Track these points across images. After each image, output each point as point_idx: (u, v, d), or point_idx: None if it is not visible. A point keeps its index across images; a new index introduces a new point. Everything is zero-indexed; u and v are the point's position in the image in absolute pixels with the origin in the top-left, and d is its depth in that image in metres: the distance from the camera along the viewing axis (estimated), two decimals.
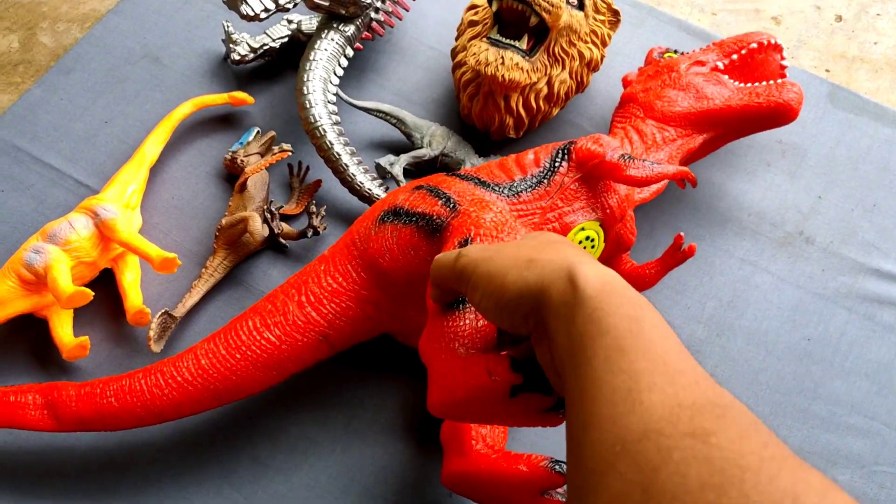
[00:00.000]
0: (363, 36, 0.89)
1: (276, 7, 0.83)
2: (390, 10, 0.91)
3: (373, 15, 0.88)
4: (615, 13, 0.87)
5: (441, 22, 0.97)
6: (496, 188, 0.69)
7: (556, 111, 0.87)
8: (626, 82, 0.86)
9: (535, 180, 0.70)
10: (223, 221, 0.80)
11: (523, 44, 0.80)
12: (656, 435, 0.33)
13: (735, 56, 0.82)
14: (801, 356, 0.78)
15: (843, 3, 1.01)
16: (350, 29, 0.87)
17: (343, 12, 0.86)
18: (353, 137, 0.89)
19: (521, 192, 0.69)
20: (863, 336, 0.79)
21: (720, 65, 0.81)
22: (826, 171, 0.89)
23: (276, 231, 0.80)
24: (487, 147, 0.88)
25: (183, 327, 0.78)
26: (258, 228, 0.79)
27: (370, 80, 0.94)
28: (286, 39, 0.94)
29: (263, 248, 0.82)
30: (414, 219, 0.66)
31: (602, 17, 0.86)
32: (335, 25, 0.87)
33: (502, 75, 0.79)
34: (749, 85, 0.79)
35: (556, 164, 0.70)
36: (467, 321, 0.52)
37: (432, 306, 0.55)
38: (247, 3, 0.81)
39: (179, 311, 0.77)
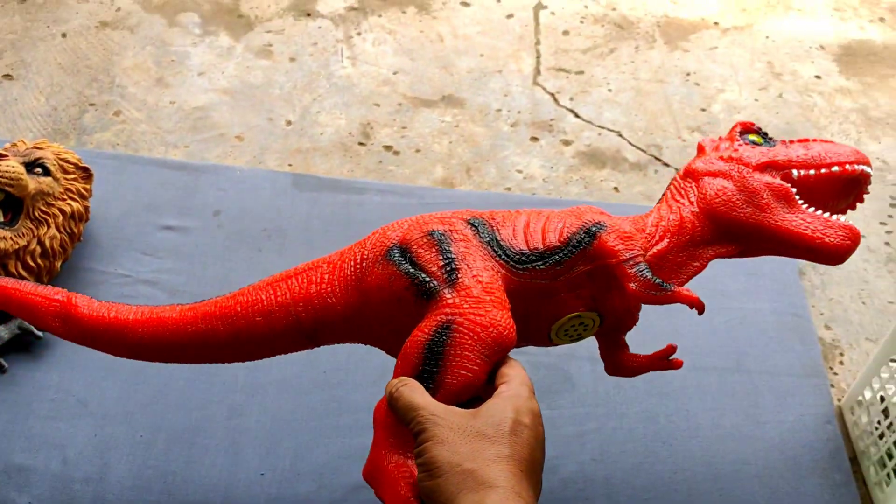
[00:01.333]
0: None
1: None
2: None
3: None
4: (85, 169, 1.01)
5: None
6: (506, 255, 0.67)
7: (59, 263, 0.98)
8: (700, 148, 0.78)
9: (549, 258, 0.68)
10: None
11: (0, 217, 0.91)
12: None
13: (813, 171, 0.73)
14: None
15: (289, 110, 1.27)
16: None
17: None
18: None
19: (531, 265, 0.67)
20: None
21: (796, 174, 0.73)
22: (306, 240, 1.10)
23: None
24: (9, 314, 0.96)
25: None
26: None
27: None
28: None
29: None
30: (412, 272, 0.66)
31: (73, 176, 0.99)
32: None
33: None
34: (811, 211, 0.72)
35: (576, 248, 0.68)
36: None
37: (397, 374, 0.63)
38: None
39: None
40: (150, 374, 0.94)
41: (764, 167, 0.72)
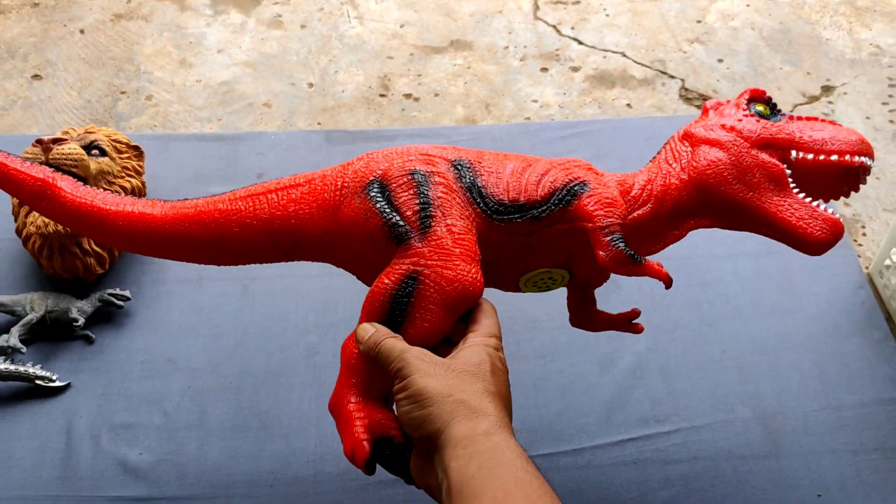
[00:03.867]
0: None
1: None
2: None
3: None
4: (136, 148, 1.07)
5: (1, 213, 1.10)
6: (486, 205, 0.68)
7: None
8: (704, 110, 0.76)
9: (527, 212, 0.68)
10: None
11: None
12: None
13: (811, 156, 0.70)
14: None
15: (309, 73, 1.32)
16: None
17: None
18: None
19: (508, 216, 0.68)
20: None
21: (794, 154, 0.71)
22: None
23: None
24: (87, 288, 1.02)
25: None
26: None
27: None
28: None
29: None
30: (387, 212, 0.66)
31: (127, 155, 1.05)
32: None
33: (64, 228, 0.95)
34: (801, 198, 0.70)
35: (556, 205, 0.68)
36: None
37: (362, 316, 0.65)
38: None
39: None
40: (228, 328, 1.01)
41: (763, 143, 0.70)
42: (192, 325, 1.01)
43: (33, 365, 0.94)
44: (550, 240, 0.69)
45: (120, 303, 1.00)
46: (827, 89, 1.28)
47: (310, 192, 0.70)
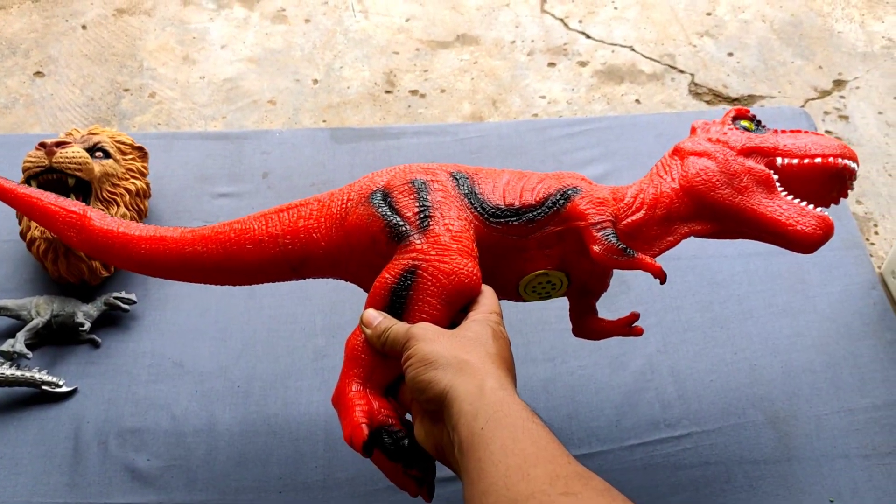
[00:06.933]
0: None
1: None
2: None
3: None
4: (140, 149, 1.06)
5: (5, 215, 1.09)
6: (482, 208, 0.71)
7: None
8: (692, 129, 0.79)
9: (523, 215, 0.71)
10: None
11: None
12: (540, 494, 0.50)
13: (796, 161, 0.73)
14: None
15: (313, 69, 1.31)
16: None
17: None
18: None
19: (505, 219, 0.71)
20: None
21: (780, 161, 0.73)
22: None
23: None
24: (92, 292, 1.02)
25: None
26: None
27: None
28: None
29: None
30: (388, 215, 0.69)
31: (131, 156, 1.04)
32: None
33: None
34: (789, 199, 0.72)
35: (550, 208, 0.71)
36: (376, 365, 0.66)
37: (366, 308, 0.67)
38: None
39: None
40: (235, 331, 1.00)
41: (749, 152, 0.74)
42: (198, 328, 1.01)
43: (39, 370, 0.94)
44: (546, 242, 0.71)
45: (126, 306, 0.99)
46: (839, 83, 1.27)
47: (318, 209, 0.74)
